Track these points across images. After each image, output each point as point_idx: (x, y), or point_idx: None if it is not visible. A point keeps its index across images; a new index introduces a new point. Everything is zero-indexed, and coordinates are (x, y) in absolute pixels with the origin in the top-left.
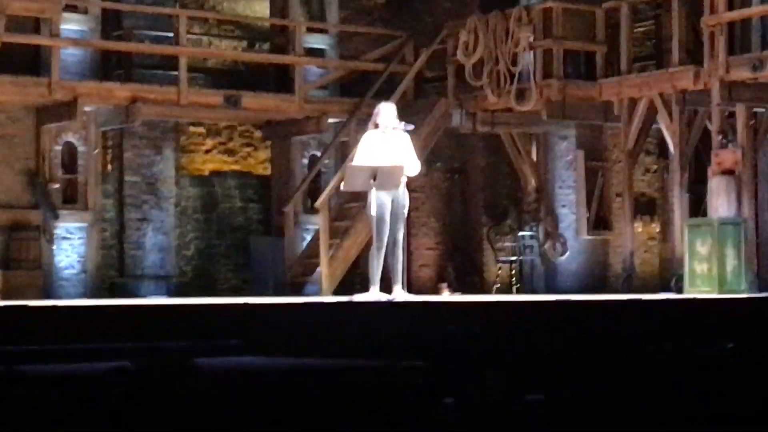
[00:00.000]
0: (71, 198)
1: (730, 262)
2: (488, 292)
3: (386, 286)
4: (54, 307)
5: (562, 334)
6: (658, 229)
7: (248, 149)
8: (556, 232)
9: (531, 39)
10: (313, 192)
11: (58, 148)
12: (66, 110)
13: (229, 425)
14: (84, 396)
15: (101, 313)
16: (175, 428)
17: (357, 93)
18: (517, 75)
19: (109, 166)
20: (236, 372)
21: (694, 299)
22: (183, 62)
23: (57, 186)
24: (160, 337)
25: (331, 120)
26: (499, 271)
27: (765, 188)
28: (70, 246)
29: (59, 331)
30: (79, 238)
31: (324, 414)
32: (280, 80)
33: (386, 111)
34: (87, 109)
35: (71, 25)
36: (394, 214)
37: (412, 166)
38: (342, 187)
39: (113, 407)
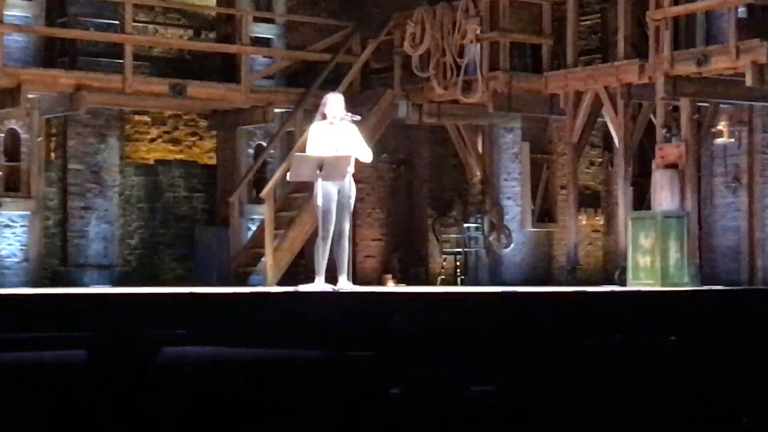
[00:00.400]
0: (14, 186)
1: (673, 255)
2: (433, 283)
3: (331, 277)
4: None
5: (507, 326)
6: (602, 222)
7: (193, 138)
8: (501, 224)
9: (478, 31)
10: (259, 182)
11: (1, 135)
12: (9, 97)
13: (177, 414)
14: (40, 385)
15: (44, 303)
16: (129, 418)
17: (303, 83)
18: (463, 67)
19: (53, 154)
20: (183, 362)
21: (638, 292)
22: (128, 50)
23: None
24: (103, 326)
25: (277, 110)
26: (444, 263)
27: (708, 182)
28: (13, 234)
29: (3, 320)
30: (22, 226)
31: (269, 404)
32: (226, 69)
33: (334, 101)
34: (31, 96)
35: (15, 11)
36: (341, 205)
37: (364, 153)
38: (288, 177)
39: (69, 397)
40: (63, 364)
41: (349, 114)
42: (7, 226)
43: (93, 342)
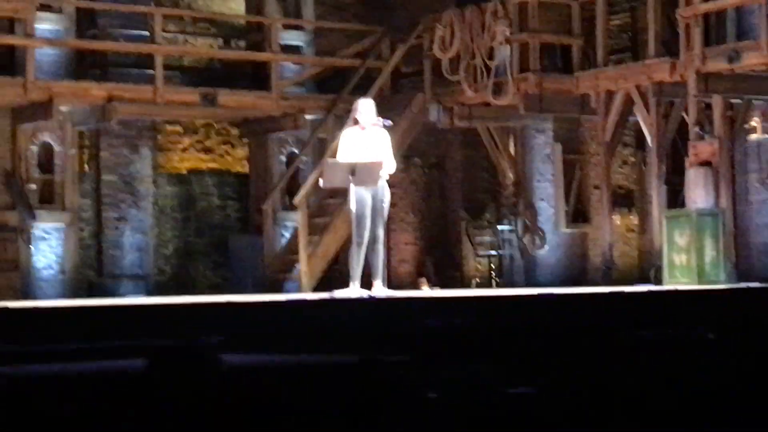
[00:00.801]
0: (48, 198)
1: (709, 253)
2: (467, 286)
3: (366, 282)
4: (34, 308)
5: (543, 328)
6: (636, 221)
7: (226, 147)
8: (534, 226)
9: (507, 33)
10: (292, 189)
11: (35, 148)
12: (42, 110)
13: (220, 422)
14: (97, 396)
15: (81, 314)
16: (177, 426)
17: (334, 89)
18: (493, 69)
19: (86, 166)
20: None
21: (674, 290)
22: (159, 61)
23: (34, 186)
24: (141, 336)
25: (308, 117)
26: (479, 266)
27: (742, 179)
28: (48, 246)
29: (40, 332)
30: (57, 238)
31: (306, 410)
32: (257, 77)
33: (365, 107)
34: (63, 108)
35: (46, 24)
36: (374, 210)
37: (389, 163)
38: (321, 184)
39: (123, 407)
40: (120, 373)
41: (381, 119)
42: (42, 238)
43: (153, 350)
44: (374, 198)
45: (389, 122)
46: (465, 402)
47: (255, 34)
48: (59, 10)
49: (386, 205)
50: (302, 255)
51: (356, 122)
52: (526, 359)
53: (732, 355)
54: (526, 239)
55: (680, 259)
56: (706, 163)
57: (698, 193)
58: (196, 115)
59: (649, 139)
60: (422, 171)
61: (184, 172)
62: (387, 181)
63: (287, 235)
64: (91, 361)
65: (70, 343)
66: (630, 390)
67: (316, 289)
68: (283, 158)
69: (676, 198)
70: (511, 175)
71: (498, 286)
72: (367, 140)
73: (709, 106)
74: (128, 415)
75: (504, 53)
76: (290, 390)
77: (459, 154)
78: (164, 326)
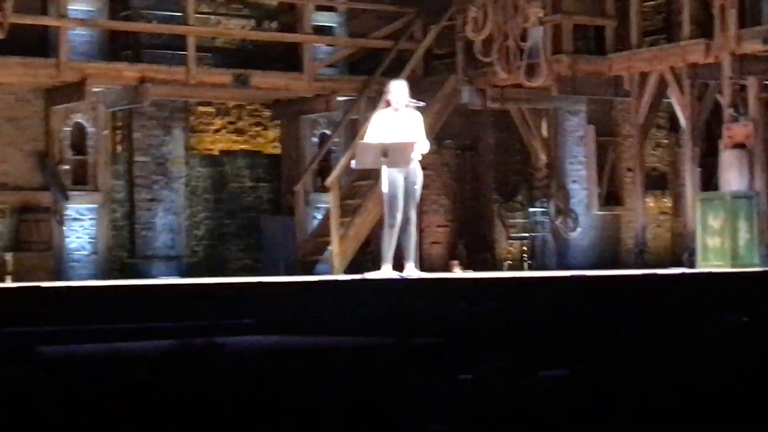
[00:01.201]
0: (81, 179)
1: (743, 236)
2: (499, 269)
3: (398, 264)
4: (68, 288)
5: (576, 310)
6: (669, 204)
7: (257, 128)
8: (567, 208)
9: (540, 14)
10: (324, 170)
11: (68, 129)
12: (75, 91)
13: (252, 405)
14: (127, 378)
15: (114, 294)
16: (204, 410)
17: (366, 71)
18: (526, 51)
19: (119, 147)
20: (255, 351)
21: (707, 273)
22: (191, 42)
23: (67, 167)
24: (173, 317)
25: (340, 98)
26: (511, 248)
27: None
28: (81, 227)
29: (73, 312)
30: (90, 219)
31: (339, 392)
32: (289, 59)
33: (397, 88)
34: (96, 89)
35: (79, 5)
36: (407, 192)
37: (422, 144)
38: (353, 165)
39: (155, 389)
40: (135, 357)
41: (414, 101)
42: (75, 219)
43: (156, 333)
44: (407, 179)
45: (422, 103)
46: (497, 384)
47: (287, 16)
48: None
49: (418, 186)
50: (334, 237)
51: (389, 104)
52: (558, 342)
53: (766, 338)
54: (558, 221)
55: (714, 241)
56: (740, 146)
57: (732, 176)
58: (228, 96)
59: (682, 121)
60: (455, 153)
61: (216, 153)
62: (419, 162)
63: (319, 216)
64: (110, 342)
65: (98, 324)
66: (663, 373)
67: (347, 271)
68: (315, 139)
69: (709, 180)
70: (543, 157)
71: (530, 268)
72: (399, 121)
73: (743, 88)
74: (134, 406)
75: (537, 35)
76: (319, 372)
77: (491, 136)
78: (196, 307)
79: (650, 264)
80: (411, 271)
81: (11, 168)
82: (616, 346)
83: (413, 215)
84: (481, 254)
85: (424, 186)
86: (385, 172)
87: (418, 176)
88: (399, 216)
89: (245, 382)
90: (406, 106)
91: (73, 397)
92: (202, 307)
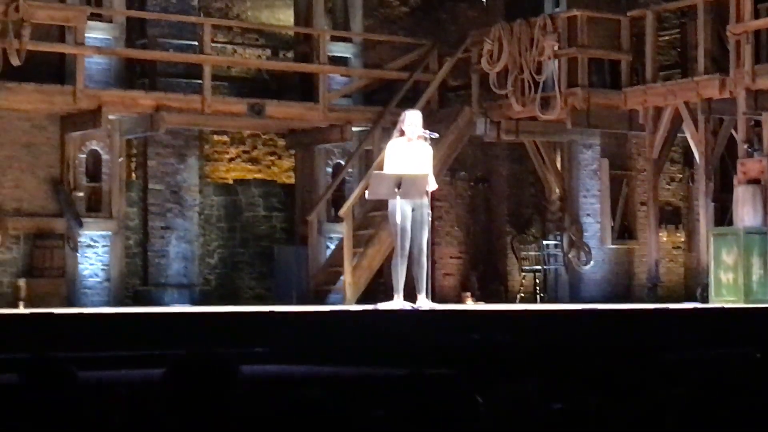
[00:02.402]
0: (95, 206)
1: (756, 272)
2: (512, 301)
3: (410, 295)
4: (80, 314)
5: (588, 343)
6: (683, 239)
7: (272, 158)
8: (580, 241)
9: (556, 47)
10: (337, 201)
11: (83, 156)
12: (90, 118)
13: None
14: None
15: (126, 321)
16: None
17: (381, 102)
18: (541, 83)
19: (134, 175)
20: (268, 380)
21: (720, 309)
22: (207, 70)
23: (81, 194)
24: (185, 345)
25: (354, 128)
26: (524, 280)
27: None
28: (94, 254)
29: (86, 339)
30: (103, 246)
31: (351, 422)
32: (304, 89)
33: (412, 118)
34: (111, 117)
35: (96, 33)
36: (417, 223)
37: (431, 182)
38: (366, 196)
39: (159, 413)
40: (144, 381)
41: (428, 131)
42: (88, 246)
43: (171, 360)
44: (416, 210)
45: (436, 134)
46: (508, 416)
47: (303, 46)
48: (109, 20)
49: (429, 217)
50: (347, 266)
51: (402, 133)
52: (569, 375)
53: None
54: (571, 254)
55: (727, 277)
56: (754, 181)
57: (746, 211)
58: (243, 125)
59: (697, 155)
60: (468, 185)
61: (231, 182)
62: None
63: (332, 246)
64: (116, 370)
65: (110, 350)
66: (675, 408)
67: (359, 301)
68: (329, 169)
69: (723, 216)
70: (557, 190)
71: (542, 301)
72: (412, 152)
73: (758, 124)
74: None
75: (552, 68)
76: (333, 402)
77: (505, 169)
78: (207, 335)
79: (663, 298)
80: (423, 302)
81: (26, 194)
82: (627, 379)
83: (425, 246)
84: (493, 286)
85: (437, 217)
86: (397, 203)
87: (427, 206)
88: (409, 246)
89: (258, 410)
90: (420, 137)
91: (82, 424)
92: (216, 335)
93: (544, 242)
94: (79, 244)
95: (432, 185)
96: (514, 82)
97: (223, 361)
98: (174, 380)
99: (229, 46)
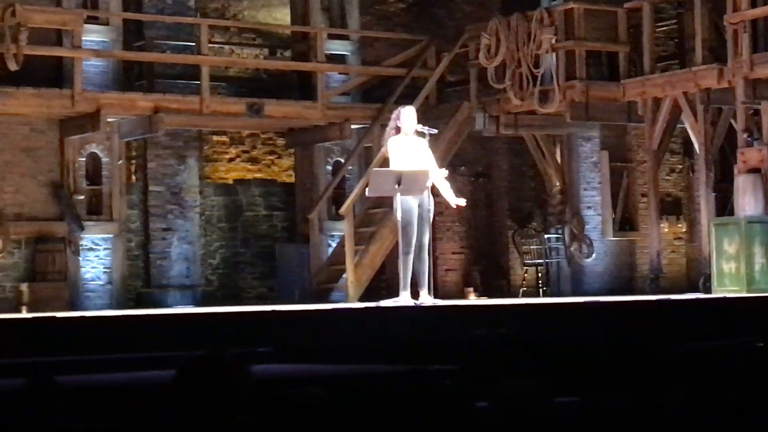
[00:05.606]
0: (96, 209)
1: (758, 261)
2: (515, 295)
3: (412, 292)
4: (83, 317)
5: (591, 336)
6: (684, 229)
7: (272, 157)
8: (581, 234)
9: (553, 40)
10: (338, 198)
11: (82, 159)
12: (89, 121)
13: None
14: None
15: (129, 324)
16: None
17: (379, 99)
18: (539, 77)
19: (134, 177)
20: (272, 379)
21: (723, 299)
22: (205, 71)
23: (82, 197)
24: (189, 346)
25: (354, 126)
26: (526, 275)
27: None
28: (96, 257)
29: (89, 342)
30: (105, 249)
31: (355, 420)
32: (302, 87)
33: (408, 114)
34: (110, 119)
35: (93, 36)
36: (421, 219)
37: (437, 172)
38: (367, 193)
39: (165, 416)
40: (151, 384)
41: (426, 127)
42: (90, 249)
43: (182, 362)
44: (420, 206)
45: (434, 130)
46: (513, 411)
47: (300, 44)
48: (106, 22)
49: (432, 213)
50: (348, 264)
51: (398, 130)
52: (573, 368)
53: None
54: (573, 247)
55: (729, 267)
56: (754, 170)
57: (747, 201)
58: (242, 125)
59: (696, 146)
60: (468, 180)
61: (231, 182)
62: (431, 189)
63: (333, 244)
64: (126, 372)
65: (115, 353)
66: (678, 398)
67: (362, 299)
68: (329, 167)
69: (724, 205)
70: (557, 184)
71: (545, 294)
72: (411, 148)
73: (757, 113)
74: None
75: (550, 61)
76: (335, 400)
77: (505, 163)
78: (210, 336)
79: (665, 289)
80: (425, 298)
81: (26, 199)
82: (631, 371)
83: (427, 242)
84: (495, 281)
85: (438, 213)
86: (400, 200)
87: (431, 203)
88: (414, 242)
89: (262, 409)
90: (416, 132)
91: (89, 426)
92: (219, 335)
93: (546, 236)
94: (80, 247)
95: (442, 173)
96: (512, 76)
97: (236, 362)
98: (186, 381)
99: (226, 47)
